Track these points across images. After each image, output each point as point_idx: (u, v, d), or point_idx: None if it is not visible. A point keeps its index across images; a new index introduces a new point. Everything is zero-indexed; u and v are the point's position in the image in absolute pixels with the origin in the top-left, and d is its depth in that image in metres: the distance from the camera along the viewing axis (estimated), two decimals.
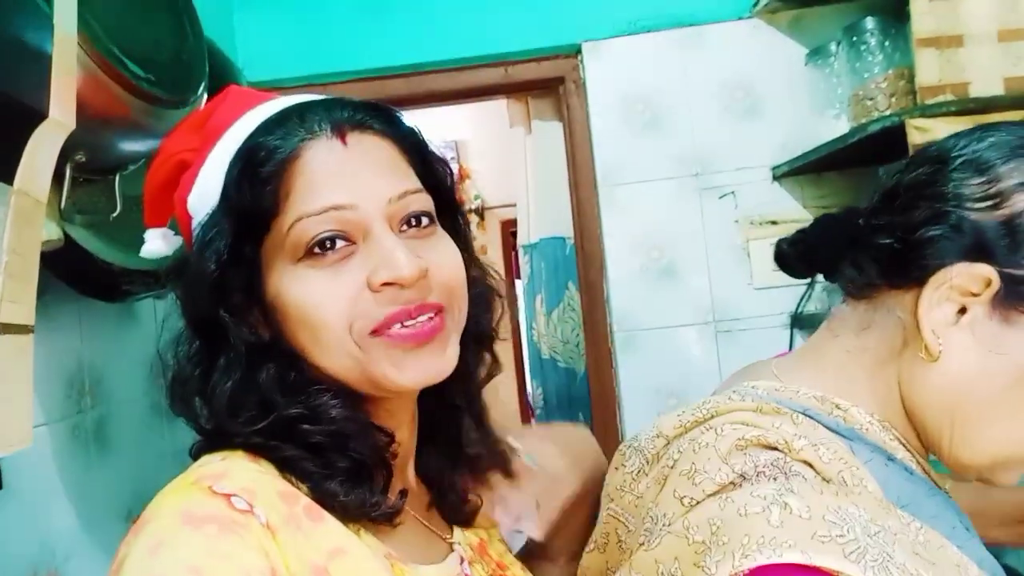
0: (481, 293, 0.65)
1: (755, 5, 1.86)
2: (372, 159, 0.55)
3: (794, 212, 1.89)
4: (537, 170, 2.28)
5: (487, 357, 0.67)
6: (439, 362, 0.55)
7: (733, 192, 1.91)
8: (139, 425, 1.27)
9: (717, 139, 1.90)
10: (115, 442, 1.19)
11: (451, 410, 0.65)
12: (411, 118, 0.62)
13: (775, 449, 0.55)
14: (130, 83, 0.84)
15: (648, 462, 0.63)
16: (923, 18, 1.35)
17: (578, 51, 1.95)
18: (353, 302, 0.53)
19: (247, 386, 0.54)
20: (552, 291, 2.29)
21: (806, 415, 0.59)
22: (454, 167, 0.59)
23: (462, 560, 0.62)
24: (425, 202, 0.57)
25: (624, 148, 1.93)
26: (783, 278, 2.01)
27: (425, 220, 0.57)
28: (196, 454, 0.56)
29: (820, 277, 0.74)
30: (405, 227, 0.56)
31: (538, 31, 1.95)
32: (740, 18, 1.90)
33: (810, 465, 0.54)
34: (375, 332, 0.53)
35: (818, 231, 0.73)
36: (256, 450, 0.53)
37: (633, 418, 1.92)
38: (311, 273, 0.53)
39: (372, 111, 0.57)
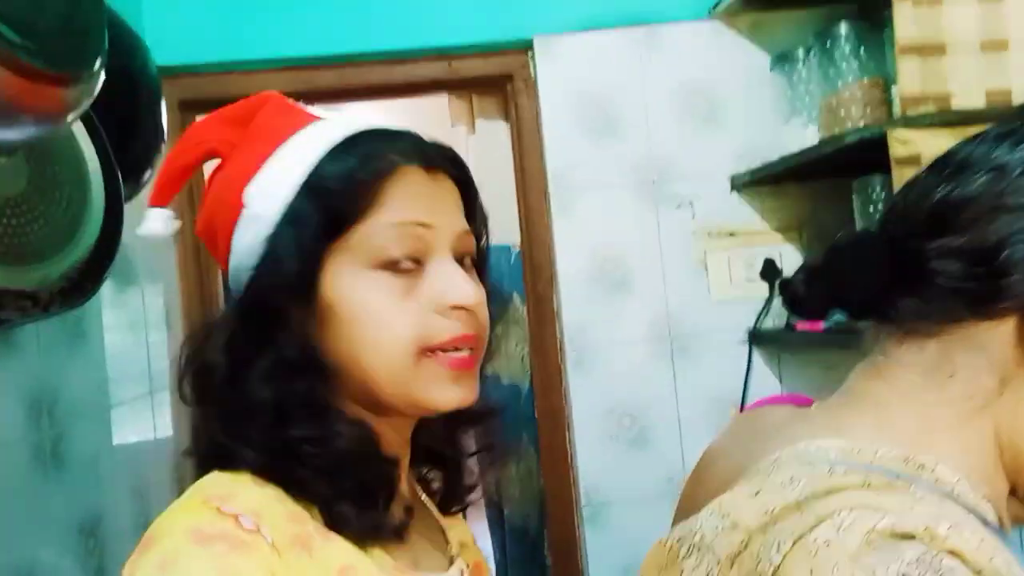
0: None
1: (715, 7, 1.77)
2: (449, 196, 0.61)
3: (753, 223, 1.82)
4: (480, 173, 2.13)
5: None
6: (470, 392, 0.59)
7: (691, 202, 1.81)
8: (16, 471, 1.05)
9: (675, 145, 1.81)
10: None
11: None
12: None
13: (912, 538, 0.43)
14: (2, 51, 0.64)
15: (720, 564, 0.48)
16: (906, 25, 1.28)
17: (529, 46, 1.82)
18: (422, 319, 0.56)
19: (273, 393, 0.55)
20: (496, 303, 2.15)
21: (917, 485, 0.48)
22: None
23: (462, 572, 0.65)
24: (474, 247, 0.63)
25: (577, 152, 1.81)
26: (741, 291, 1.93)
27: (469, 263, 0.62)
28: (202, 463, 0.57)
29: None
30: (463, 260, 0.61)
31: (486, 23, 1.80)
32: (699, 18, 1.80)
33: (958, 555, 0.42)
34: (430, 351, 0.57)
35: (846, 264, 0.62)
36: (263, 472, 0.54)
37: (585, 440, 1.80)
38: (384, 282, 0.57)
39: (450, 157, 0.63)
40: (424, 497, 0.71)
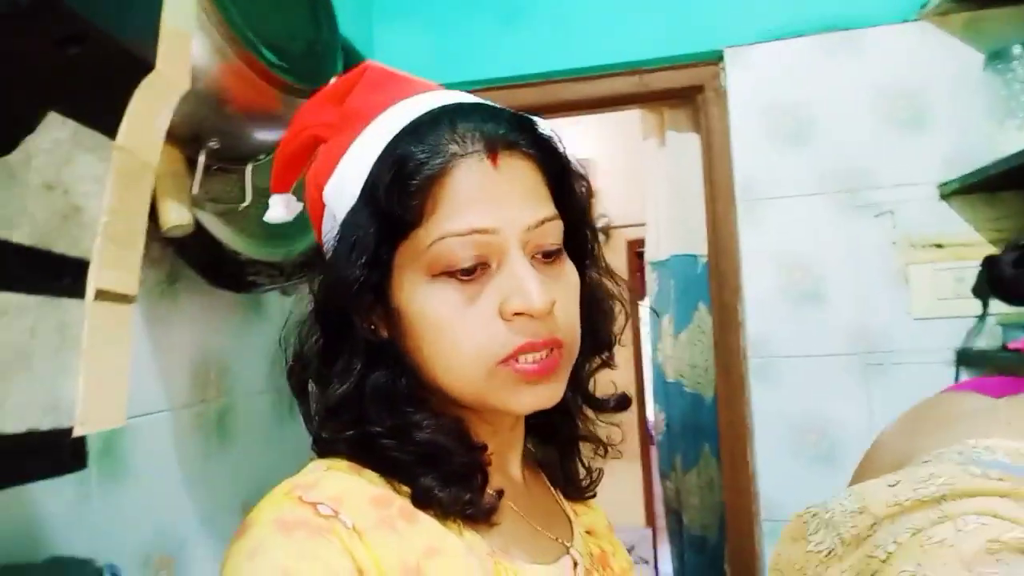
0: (602, 300, 0.65)
1: (923, 7, 1.69)
2: (518, 184, 0.55)
3: (964, 235, 1.68)
4: (669, 184, 2.18)
5: (601, 359, 0.67)
6: (551, 394, 0.56)
7: (891, 211, 1.72)
8: (260, 419, 1.28)
9: (874, 152, 1.73)
10: (236, 434, 1.20)
11: (563, 406, 0.64)
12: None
13: None
14: (263, 69, 0.83)
15: (844, 543, 0.50)
16: None
17: (720, 58, 1.85)
18: (486, 330, 0.53)
19: (353, 391, 0.55)
20: (681, 311, 2.17)
21: None
22: None
23: (576, 564, 0.61)
24: (557, 232, 0.57)
25: (767, 160, 1.80)
26: (947, 308, 1.79)
27: (555, 250, 0.57)
28: (315, 449, 0.58)
29: (994, 308, 0.60)
30: (539, 255, 0.56)
31: (676, 37, 1.86)
32: (904, 21, 1.72)
33: None
34: (503, 362, 0.53)
35: None
36: (358, 458, 0.55)
37: (766, 452, 1.77)
38: (447, 292, 0.53)
39: (523, 131, 0.56)
40: (551, 485, 0.69)
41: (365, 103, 0.58)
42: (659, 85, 1.91)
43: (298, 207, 0.65)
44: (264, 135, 0.94)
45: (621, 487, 3.69)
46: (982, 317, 1.66)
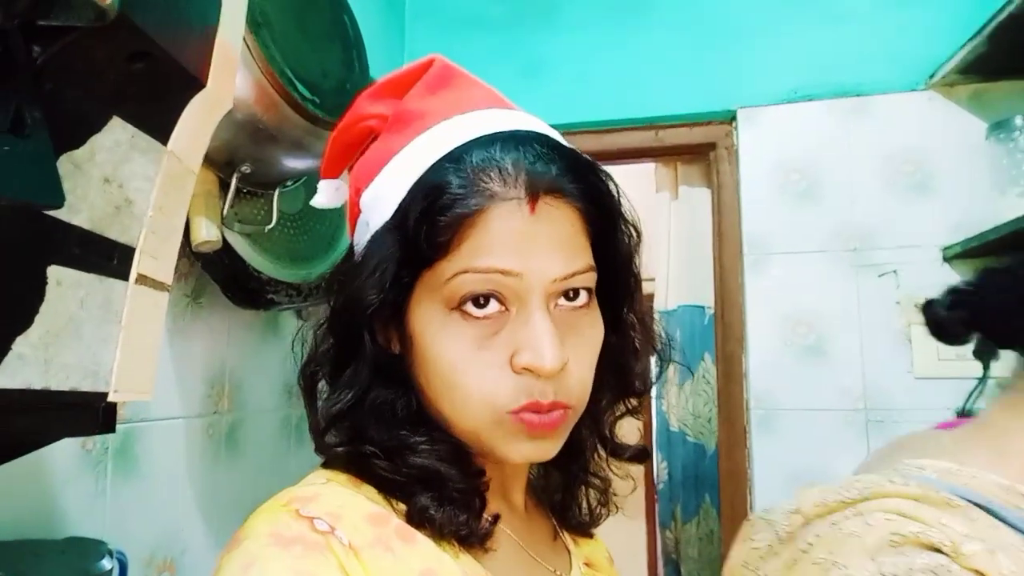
0: (635, 344, 0.63)
1: (931, 77, 1.76)
2: (555, 233, 0.52)
3: None
4: (680, 236, 2.23)
5: (625, 404, 0.65)
6: (549, 450, 0.54)
7: (895, 271, 1.77)
8: (269, 436, 1.33)
9: (879, 214, 1.78)
10: (244, 448, 1.24)
11: (575, 442, 0.63)
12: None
13: (938, 551, 0.45)
14: (296, 102, 0.90)
15: (780, 540, 0.55)
16: None
17: (733, 117, 1.92)
18: (494, 380, 0.51)
19: (355, 403, 0.55)
20: (686, 361, 2.19)
21: (988, 510, 0.50)
22: None
23: None
24: (587, 279, 0.54)
25: (775, 217, 1.85)
26: (949, 369, 1.81)
27: (583, 297, 0.54)
28: (319, 455, 0.58)
29: (995, 371, 0.65)
30: (562, 299, 0.53)
31: (691, 96, 1.94)
32: (913, 90, 1.80)
33: (980, 575, 0.44)
34: (511, 412, 0.52)
35: (993, 292, 0.63)
36: (354, 472, 0.54)
37: (766, 503, 1.76)
38: (462, 330, 0.51)
39: (574, 175, 0.53)
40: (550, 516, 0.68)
41: (421, 105, 0.56)
42: (673, 141, 1.98)
43: (346, 195, 0.62)
44: (292, 163, 1.01)
45: (625, 538, 3.64)
46: (983, 379, 1.67)
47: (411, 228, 0.51)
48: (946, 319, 0.64)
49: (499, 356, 0.51)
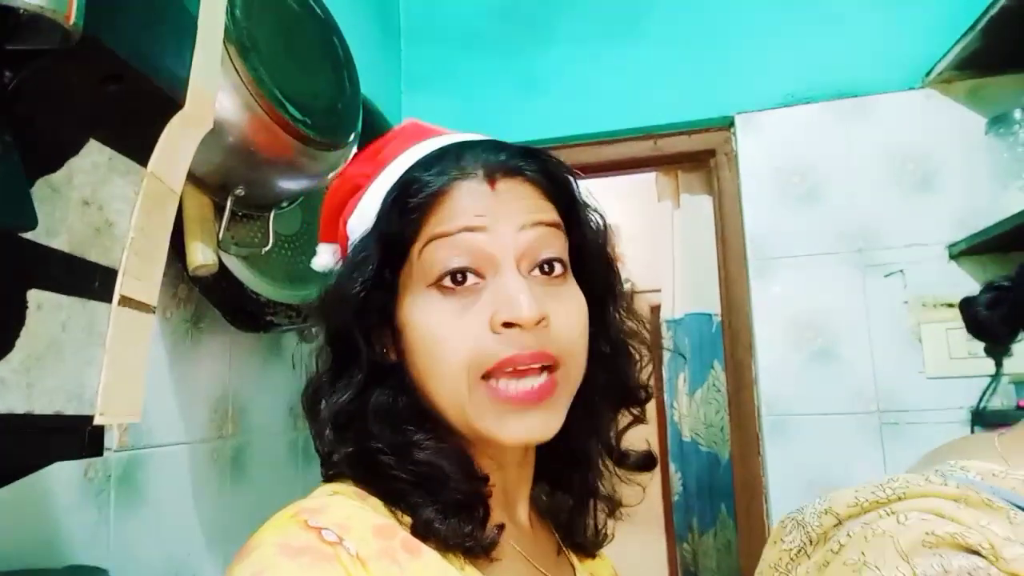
0: (627, 344, 0.63)
1: (927, 74, 1.75)
2: (515, 199, 0.56)
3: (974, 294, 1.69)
4: (684, 244, 2.23)
5: (628, 412, 0.65)
6: (544, 425, 0.54)
7: (902, 270, 1.75)
8: (274, 460, 1.32)
9: (883, 213, 1.77)
10: (250, 472, 1.24)
11: (580, 456, 0.64)
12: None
13: (976, 553, 0.44)
14: (288, 124, 0.91)
15: (812, 542, 0.54)
16: None
17: (731, 123, 1.92)
18: (476, 341, 0.53)
19: (355, 406, 0.56)
20: (696, 370, 2.18)
21: None
22: None
23: None
24: (558, 243, 0.57)
25: (777, 221, 1.85)
26: (961, 367, 1.79)
27: (557, 268, 0.56)
28: (322, 472, 0.58)
29: (1008, 368, 0.63)
30: (536, 272, 0.55)
31: (689, 104, 1.94)
32: (910, 88, 1.79)
33: None
34: (487, 375, 0.53)
35: None
36: (359, 482, 0.55)
37: (781, 511, 1.74)
38: (440, 303, 0.54)
39: (528, 157, 0.57)
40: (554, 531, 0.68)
41: (392, 151, 0.61)
42: (672, 149, 1.98)
43: None
44: (287, 184, 1.01)
45: (643, 551, 3.60)
46: (996, 376, 1.65)
47: (386, 220, 0.55)
48: (987, 318, 0.62)
49: (478, 319, 0.53)
